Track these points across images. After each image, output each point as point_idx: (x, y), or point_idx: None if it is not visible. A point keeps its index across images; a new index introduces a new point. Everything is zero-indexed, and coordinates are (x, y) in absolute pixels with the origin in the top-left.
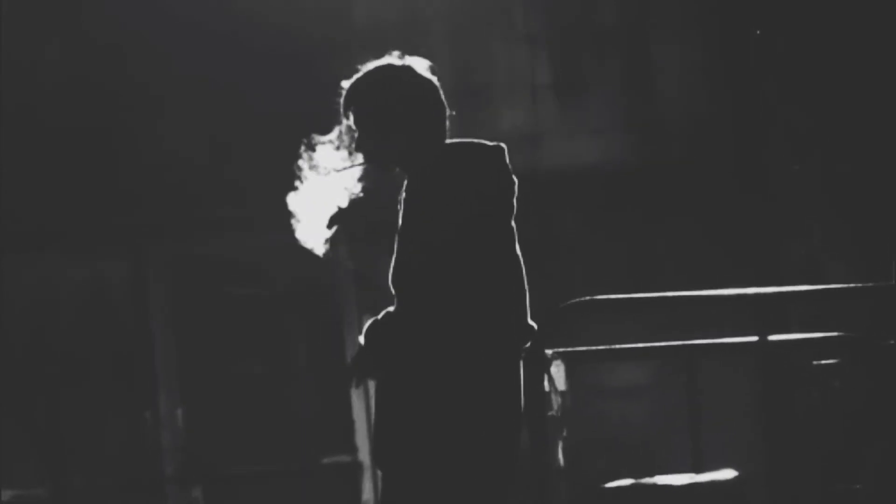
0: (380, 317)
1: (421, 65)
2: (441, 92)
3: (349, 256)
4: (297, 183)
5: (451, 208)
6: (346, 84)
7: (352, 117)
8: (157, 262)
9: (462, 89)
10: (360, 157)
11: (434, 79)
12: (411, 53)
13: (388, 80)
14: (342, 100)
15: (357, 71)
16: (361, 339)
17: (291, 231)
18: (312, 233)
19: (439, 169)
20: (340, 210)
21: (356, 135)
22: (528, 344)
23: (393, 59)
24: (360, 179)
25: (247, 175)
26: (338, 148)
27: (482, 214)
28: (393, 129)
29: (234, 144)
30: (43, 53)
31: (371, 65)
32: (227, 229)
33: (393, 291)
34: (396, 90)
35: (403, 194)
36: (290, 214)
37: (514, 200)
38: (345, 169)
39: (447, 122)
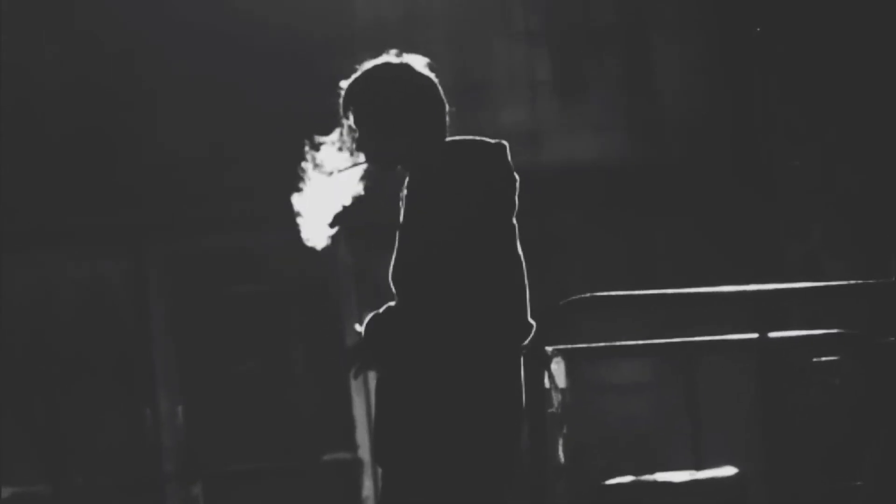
0: (381, 311)
1: (419, 62)
2: (440, 89)
3: (348, 252)
4: (300, 183)
5: (453, 205)
6: (344, 84)
7: (351, 117)
8: (156, 260)
9: (462, 87)
10: (362, 157)
11: (433, 76)
12: (411, 51)
13: (387, 79)
14: (341, 100)
15: (356, 70)
16: (360, 329)
17: (290, 228)
18: (316, 230)
19: (441, 166)
20: (344, 208)
21: (357, 135)
22: (528, 341)
23: (391, 57)
24: (362, 178)
25: (246, 174)
26: (340, 148)
27: (484, 212)
28: (394, 129)
29: (232, 143)
30: (42, 53)
31: (369, 64)
32: (226, 228)
33: (393, 288)
34: (395, 89)
35: (405, 191)
36: (294, 213)
37: (516, 198)
38: (347, 169)
39: (447, 119)
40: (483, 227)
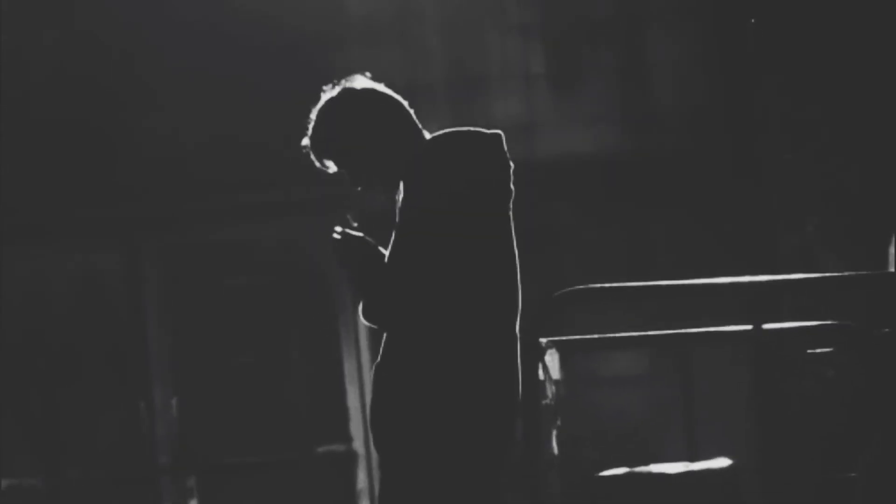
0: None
1: (359, 81)
2: (386, 89)
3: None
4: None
5: (449, 193)
6: (305, 143)
7: (333, 166)
8: (150, 253)
9: (456, 79)
10: (364, 191)
11: (374, 85)
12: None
13: (339, 115)
14: (313, 158)
15: (308, 121)
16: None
17: (285, 221)
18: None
19: (436, 156)
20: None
21: (348, 177)
22: (521, 332)
23: (328, 92)
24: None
25: (240, 166)
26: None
27: (480, 200)
28: (371, 152)
29: (227, 136)
30: (36, 45)
31: (314, 112)
32: (221, 220)
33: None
34: (350, 118)
35: (401, 186)
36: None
37: (512, 185)
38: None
39: (410, 111)
40: (478, 215)
